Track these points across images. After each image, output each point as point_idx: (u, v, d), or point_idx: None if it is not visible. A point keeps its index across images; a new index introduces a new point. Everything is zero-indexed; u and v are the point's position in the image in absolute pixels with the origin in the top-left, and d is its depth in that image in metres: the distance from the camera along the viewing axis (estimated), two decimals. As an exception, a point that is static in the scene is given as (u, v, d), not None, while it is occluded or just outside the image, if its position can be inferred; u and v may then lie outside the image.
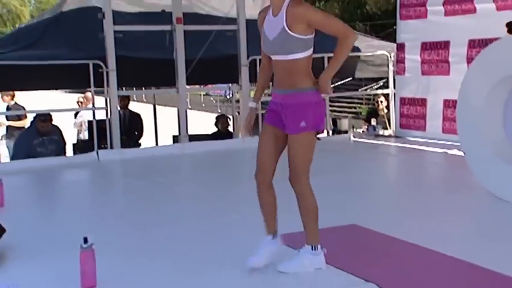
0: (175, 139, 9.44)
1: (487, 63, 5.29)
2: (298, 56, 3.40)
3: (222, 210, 5.14)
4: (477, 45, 7.60)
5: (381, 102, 10.38)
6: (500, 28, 6.48)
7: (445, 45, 8.15)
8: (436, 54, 8.30)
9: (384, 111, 10.31)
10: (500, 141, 5.25)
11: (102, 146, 8.12)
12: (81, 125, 10.50)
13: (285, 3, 3.41)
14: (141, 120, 9.96)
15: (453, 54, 8.04)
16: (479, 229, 4.52)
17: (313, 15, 3.39)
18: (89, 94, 10.05)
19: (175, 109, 9.39)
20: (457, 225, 4.53)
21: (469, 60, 7.53)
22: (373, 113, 11.08)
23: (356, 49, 10.31)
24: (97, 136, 7.99)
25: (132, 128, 9.59)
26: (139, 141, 9.88)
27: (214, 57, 8.99)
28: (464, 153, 5.75)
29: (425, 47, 8.46)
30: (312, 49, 3.45)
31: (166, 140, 10.62)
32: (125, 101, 9.41)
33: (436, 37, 8.24)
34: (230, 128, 10.66)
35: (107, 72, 7.97)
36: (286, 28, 3.36)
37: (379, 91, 11.91)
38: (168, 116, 12.39)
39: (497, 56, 5.22)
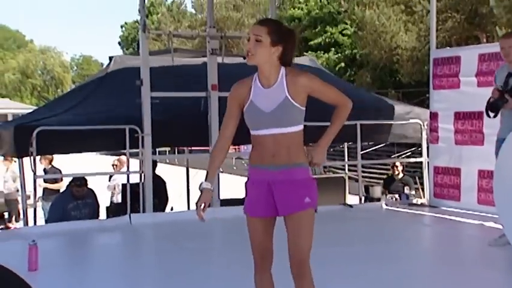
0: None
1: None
2: (297, 128, 3.26)
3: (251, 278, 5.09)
4: (462, 117, 7.78)
5: (397, 167, 10.52)
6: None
7: (478, 115, 8.12)
8: (469, 124, 8.25)
9: (399, 176, 10.40)
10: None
11: (135, 209, 8.17)
12: (115, 188, 10.62)
13: (281, 73, 3.28)
14: (165, 186, 9.95)
15: (487, 125, 7.99)
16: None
17: (316, 84, 3.31)
18: (123, 157, 10.21)
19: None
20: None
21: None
22: (390, 178, 11.05)
23: (389, 116, 10.36)
24: (130, 199, 8.07)
25: (156, 192, 9.64)
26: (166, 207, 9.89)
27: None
28: (502, 226, 5.65)
29: (459, 116, 8.43)
30: (302, 123, 3.34)
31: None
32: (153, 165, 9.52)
33: (469, 107, 8.21)
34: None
35: (142, 137, 8.11)
36: (290, 98, 3.22)
37: (412, 159, 11.85)
38: (202, 180, 12.40)
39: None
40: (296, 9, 32.98)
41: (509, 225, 5.42)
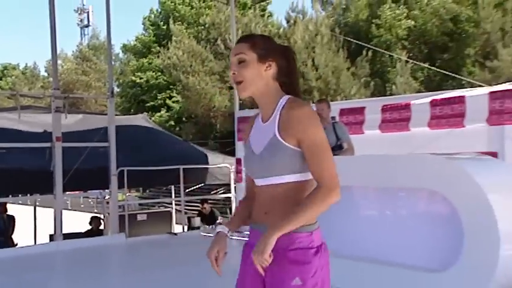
0: (51, 237, 8.87)
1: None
2: (294, 178, 1.95)
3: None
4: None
5: (205, 205, 11.00)
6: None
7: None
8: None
9: (206, 212, 10.89)
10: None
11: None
12: None
13: (279, 103, 2.01)
14: (14, 220, 9.56)
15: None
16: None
17: (308, 134, 1.91)
18: None
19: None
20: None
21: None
22: (200, 213, 11.24)
23: (205, 162, 10.62)
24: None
25: (8, 229, 9.05)
26: (12, 238, 9.32)
27: (89, 168, 8.78)
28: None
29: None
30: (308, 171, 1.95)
31: (45, 238, 9.92)
32: (3, 206, 8.91)
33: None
34: (102, 227, 10.27)
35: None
36: (279, 136, 1.95)
37: (224, 195, 12.15)
38: (49, 217, 11.67)
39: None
40: (136, 77, 32.73)
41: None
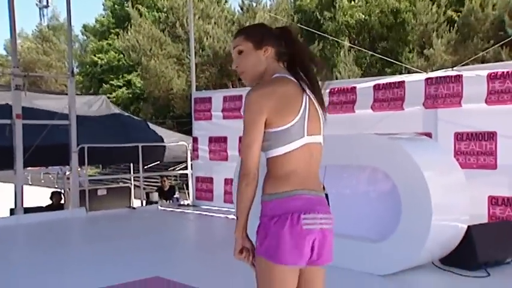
0: (12, 211, 8.55)
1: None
2: (265, 155, 1.88)
3: (46, 273, 4.69)
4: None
5: (164, 181, 10.71)
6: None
7: (224, 139, 8.52)
8: (218, 146, 8.61)
9: (166, 187, 10.86)
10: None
11: None
12: None
13: None
14: None
15: (229, 146, 8.42)
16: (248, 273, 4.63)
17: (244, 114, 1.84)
18: None
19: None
20: (234, 272, 4.61)
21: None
22: (160, 189, 11.12)
23: (162, 140, 10.48)
24: None
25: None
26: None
27: (50, 145, 8.47)
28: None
29: (211, 140, 8.72)
30: (276, 148, 1.83)
31: (5, 212, 9.54)
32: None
33: (218, 133, 8.56)
34: (62, 201, 9.98)
35: None
36: None
37: (181, 171, 12.04)
38: (10, 191, 11.24)
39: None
40: (97, 58, 31.71)
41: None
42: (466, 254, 4.26)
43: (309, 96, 1.87)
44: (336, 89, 7.47)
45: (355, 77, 17.08)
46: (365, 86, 7.18)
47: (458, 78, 6.08)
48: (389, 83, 6.89)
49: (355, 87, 7.26)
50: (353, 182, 4.88)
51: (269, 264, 1.78)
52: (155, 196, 11.18)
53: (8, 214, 8.83)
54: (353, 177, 4.87)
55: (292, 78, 1.87)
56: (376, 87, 6.97)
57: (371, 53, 15.73)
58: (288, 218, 1.77)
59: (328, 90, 7.53)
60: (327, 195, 1.93)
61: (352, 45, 17.95)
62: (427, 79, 6.47)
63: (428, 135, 6.10)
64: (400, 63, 13.97)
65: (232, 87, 17.00)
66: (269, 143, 1.82)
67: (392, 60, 12.60)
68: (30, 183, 22.16)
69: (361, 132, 6.16)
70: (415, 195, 4.13)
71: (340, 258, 4.45)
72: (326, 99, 6.66)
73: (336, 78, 17.50)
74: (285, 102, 1.80)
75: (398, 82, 6.80)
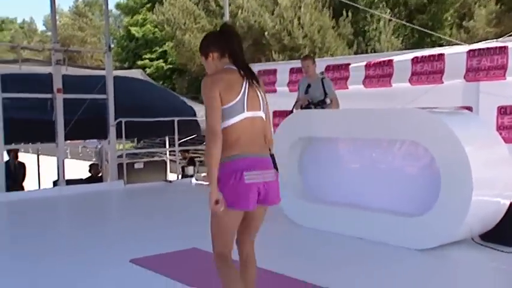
0: (55, 183, 8.85)
1: (288, 128, 5.58)
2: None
3: (88, 242, 4.87)
4: (279, 115, 7.93)
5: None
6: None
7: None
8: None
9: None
10: (296, 182, 5.52)
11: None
12: None
13: None
14: (24, 168, 9.33)
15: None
16: (283, 245, 4.70)
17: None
18: None
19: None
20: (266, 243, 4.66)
21: (274, 125, 7.86)
22: (191, 161, 11.25)
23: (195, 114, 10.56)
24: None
25: (19, 175, 8.96)
26: (23, 185, 9.18)
27: (90, 118, 8.67)
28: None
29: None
30: (229, 120, 2.34)
31: (48, 184, 9.89)
32: (15, 154, 8.82)
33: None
34: (101, 174, 10.24)
35: (-5, 131, 7.33)
36: None
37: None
38: (51, 164, 11.62)
39: (293, 124, 5.55)
40: (134, 31, 31.96)
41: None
42: (508, 230, 4.18)
43: (248, 82, 2.40)
44: (372, 63, 7.34)
45: (393, 49, 16.67)
46: (403, 59, 7.02)
47: (503, 50, 5.88)
48: (429, 55, 6.73)
49: (392, 61, 7.11)
50: (391, 156, 4.82)
51: (226, 210, 2.34)
52: (190, 170, 11.34)
53: (52, 186, 9.13)
54: (391, 151, 4.81)
55: (234, 68, 2.42)
56: (415, 60, 6.82)
57: (409, 25, 15.29)
58: (235, 175, 2.31)
59: (364, 64, 7.46)
60: (272, 156, 2.49)
61: (390, 18, 17.46)
62: (469, 51, 6.28)
63: (469, 109, 5.96)
64: (440, 36, 13.53)
65: (266, 61, 16.88)
66: (221, 117, 2.35)
67: (432, 32, 12.22)
68: (69, 156, 22.81)
69: (399, 106, 6.06)
70: (456, 170, 4.05)
71: (378, 232, 4.47)
72: (362, 72, 6.51)
73: (374, 51, 17.15)
74: (229, 86, 2.35)
75: (438, 55, 6.63)
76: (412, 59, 6.83)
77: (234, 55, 2.46)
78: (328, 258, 4.18)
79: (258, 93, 2.44)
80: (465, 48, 6.47)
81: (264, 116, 2.46)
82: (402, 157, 4.72)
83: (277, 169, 2.47)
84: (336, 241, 4.64)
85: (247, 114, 2.36)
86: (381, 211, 4.61)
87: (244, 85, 2.39)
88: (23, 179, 9.33)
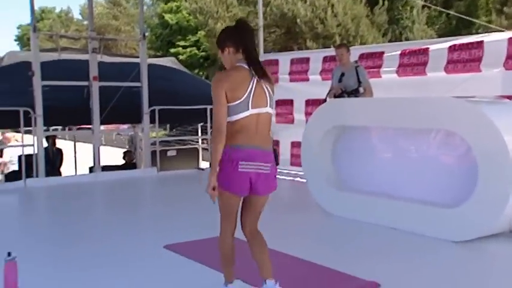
0: (91, 169, 9.05)
1: (321, 117, 5.55)
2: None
3: (123, 227, 4.96)
4: (311, 103, 7.86)
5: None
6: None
7: (290, 102, 8.47)
8: (285, 109, 8.57)
9: None
10: (329, 171, 5.49)
11: (30, 175, 7.58)
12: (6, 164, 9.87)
13: None
14: (62, 154, 9.56)
15: (296, 109, 8.36)
16: (316, 234, 4.69)
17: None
18: (7, 134, 9.66)
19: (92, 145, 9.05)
20: (299, 232, 4.67)
21: (307, 114, 7.83)
22: None
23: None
24: (25, 168, 7.49)
25: (56, 161, 9.20)
26: (61, 170, 9.43)
27: (124, 104, 8.79)
28: (306, 180, 5.92)
29: (278, 103, 8.55)
30: (231, 116, 2.54)
31: (84, 170, 10.13)
32: (53, 140, 9.05)
33: (284, 97, 8.51)
34: (135, 161, 10.41)
35: (35, 117, 7.52)
36: None
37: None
38: (87, 151, 11.87)
39: (327, 113, 5.50)
40: (167, 18, 32.20)
41: (310, 180, 5.73)
42: (548, 223, 4.06)
43: (256, 79, 2.55)
44: (407, 51, 7.18)
45: (427, 38, 16.26)
46: (439, 47, 6.84)
47: (548, 37, 5.64)
48: (466, 43, 6.52)
49: (427, 49, 6.93)
50: (426, 146, 4.73)
51: (223, 192, 2.59)
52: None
53: (87, 172, 9.35)
54: (425, 141, 4.71)
55: (245, 66, 2.57)
56: (451, 48, 6.63)
57: (446, 11, 14.85)
58: (232, 163, 2.54)
59: (399, 52, 7.31)
60: (274, 150, 2.69)
61: (426, 5, 17.02)
62: (510, 38, 6.06)
63: (509, 98, 5.76)
64: (479, 22, 13.09)
65: (298, 49, 16.75)
66: (228, 112, 2.55)
67: (470, 19, 11.84)
68: (103, 143, 23.26)
69: (434, 95, 5.92)
70: (495, 161, 3.94)
71: (412, 222, 4.40)
72: (396, 61, 6.30)
73: (407, 39, 16.77)
74: (237, 84, 2.52)
75: (477, 42, 6.42)
76: (449, 47, 6.64)
77: (247, 51, 2.61)
78: (360, 247, 4.15)
79: (266, 90, 2.59)
80: (506, 35, 6.24)
81: (270, 111, 2.63)
82: (437, 146, 4.63)
83: (277, 163, 2.71)
84: (368, 231, 4.60)
85: (252, 111, 2.54)
86: (416, 201, 4.54)
87: (252, 83, 2.54)
88: (61, 165, 9.57)
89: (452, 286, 3.29)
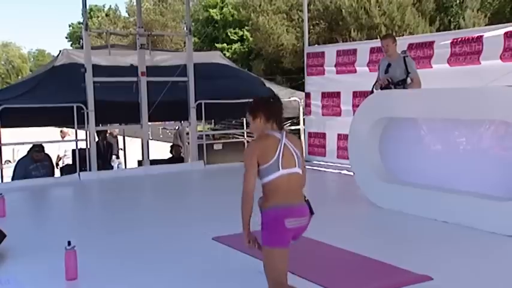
0: (140, 163, 9.30)
1: (368, 109, 5.50)
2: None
3: (173, 219, 5.10)
4: (359, 95, 7.80)
5: None
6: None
7: (337, 94, 8.41)
8: (331, 101, 8.53)
9: None
10: (376, 164, 5.44)
11: (83, 169, 7.89)
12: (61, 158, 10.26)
13: None
14: (112, 148, 9.87)
15: (343, 101, 8.30)
16: (365, 227, 4.67)
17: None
18: (64, 129, 10.01)
19: (140, 140, 9.29)
20: (348, 225, 4.66)
21: (354, 106, 7.76)
22: None
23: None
24: (79, 161, 7.80)
25: (107, 155, 9.49)
26: (111, 164, 9.72)
27: (171, 101, 8.95)
28: (353, 173, 5.92)
29: (324, 95, 8.67)
30: (265, 178, 2.76)
31: (133, 163, 10.43)
32: (104, 134, 9.34)
33: (331, 89, 8.46)
34: (182, 154, 10.60)
35: (87, 113, 7.80)
36: None
37: (293, 127, 12.12)
38: (134, 145, 12.20)
39: (374, 105, 5.45)
40: (212, 12, 32.50)
41: (358, 173, 5.70)
42: None
43: (284, 144, 2.78)
44: (459, 39, 6.97)
45: (480, 25, 15.67)
46: (493, 34, 6.60)
47: None
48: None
49: (481, 36, 6.71)
50: (478, 137, 4.60)
51: (271, 249, 2.75)
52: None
53: (136, 165, 9.61)
54: (477, 132, 4.59)
55: (274, 133, 2.80)
56: (508, 35, 6.38)
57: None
58: (277, 221, 2.72)
59: (449, 41, 7.11)
60: (308, 201, 2.85)
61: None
62: None
63: None
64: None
65: (343, 41, 16.52)
66: (260, 175, 2.80)
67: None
68: (151, 137, 23.78)
69: (488, 85, 5.74)
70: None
71: (464, 215, 4.31)
72: (447, 50, 6.09)
73: (459, 27, 16.23)
74: (266, 150, 2.76)
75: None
76: (506, 33, 6.40)
77: (278, 123, 2.86)
78: (410, 241, 4.11)
79: (293, 152, 2.81)
80: None
81: (300, 172, 2.82)
82: (491, 138, 4.50)
83: (312, 213, 2.85)
84: (418, 223, 4.54)
85: (282, 172, 2.76)
86: (468, 194, 4.43)
87: (279, 148, 2.77)
88: (111, 159, 9.85)
89: (508, 282, 3.21)
